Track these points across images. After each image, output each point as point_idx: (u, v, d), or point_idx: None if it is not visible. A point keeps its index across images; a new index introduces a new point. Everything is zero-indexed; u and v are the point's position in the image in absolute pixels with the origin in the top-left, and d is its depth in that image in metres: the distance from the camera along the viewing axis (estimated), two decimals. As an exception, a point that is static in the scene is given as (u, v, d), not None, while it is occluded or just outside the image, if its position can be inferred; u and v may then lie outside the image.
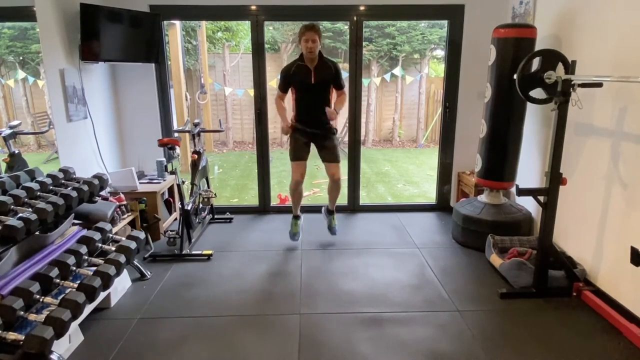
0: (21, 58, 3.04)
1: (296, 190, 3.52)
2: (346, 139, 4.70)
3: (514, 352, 2.29)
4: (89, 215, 2.82)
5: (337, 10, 4.00)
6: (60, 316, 1.84)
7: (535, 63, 2.99)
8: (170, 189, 4.08)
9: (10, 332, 1.78)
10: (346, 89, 3.52)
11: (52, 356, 1.90)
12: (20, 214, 2.12)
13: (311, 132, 3.42)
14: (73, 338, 2.31)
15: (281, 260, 3.38)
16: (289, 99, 3.48)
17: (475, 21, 3.98)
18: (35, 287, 1.96)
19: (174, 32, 6.66)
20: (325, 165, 3.48)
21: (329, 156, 3.45)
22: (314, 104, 3.37)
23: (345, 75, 3.50)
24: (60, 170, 2.70)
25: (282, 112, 3.47)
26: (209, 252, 3.43)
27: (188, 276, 3.12)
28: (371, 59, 9.47)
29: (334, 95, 3.45)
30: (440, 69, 10.35)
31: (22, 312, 1.85)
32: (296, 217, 3.63)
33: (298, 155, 3.45)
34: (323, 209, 3.84)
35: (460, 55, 4.09)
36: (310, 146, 3.50)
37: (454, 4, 3.98)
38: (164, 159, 3.97)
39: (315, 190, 6.17)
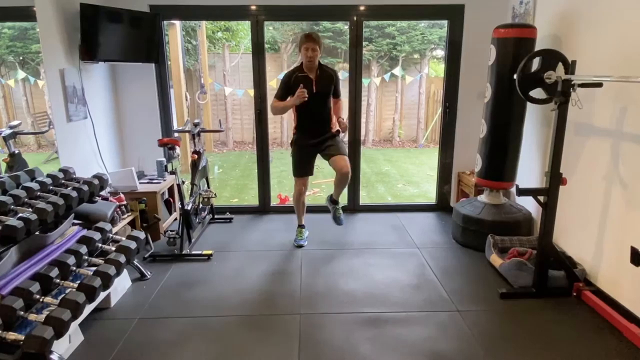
0: (21, 58, 3.04)
1: (299, 200, 3.58)
2: (346, 139, 4.69)
3: (514, 352, 2.29)
4: (89, 215, 2.81)
5: (337, 10, 4.00)
6: (60, 316, 1.84)
7: (535, 63, 2.99)
8: (170, 189, 4.07)
9: (10, 332, 1.78)
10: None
11: (52, 356, 1.90)
12: (20, 214, 2.12)
13: (314, 142, 3.42)
14: (73, 338, 2.31)
15: (281, 260, 3.38)
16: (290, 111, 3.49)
17: (475, 21, 3.98)
18: (35, 287, 1.96)
19: (174, 32, 6.66)
20: (332, 161, 3.32)
21: (334, 150, 3.35)
22: (315, 113, 3.39)
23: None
24: (60, 170, 2.70)
25: (281, 104, 3.36)
26: (209, 252, 3.43)
27: (188, 276, 3.12)
28: (371, 59, 9.47)
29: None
30: (440, 69, 10.34)
31: (22, 312, 1.85)
32: (301, 226, 3.70)
33: (302, 172, 3.52)
34: (327, 198, 3.66)
35: (460, 55, 4.09)
36: (315, 159, 3.52)
37: (454, 4, 3.97)
38: (164, 159, 3.97)
39: (315, 191, 6.17)
